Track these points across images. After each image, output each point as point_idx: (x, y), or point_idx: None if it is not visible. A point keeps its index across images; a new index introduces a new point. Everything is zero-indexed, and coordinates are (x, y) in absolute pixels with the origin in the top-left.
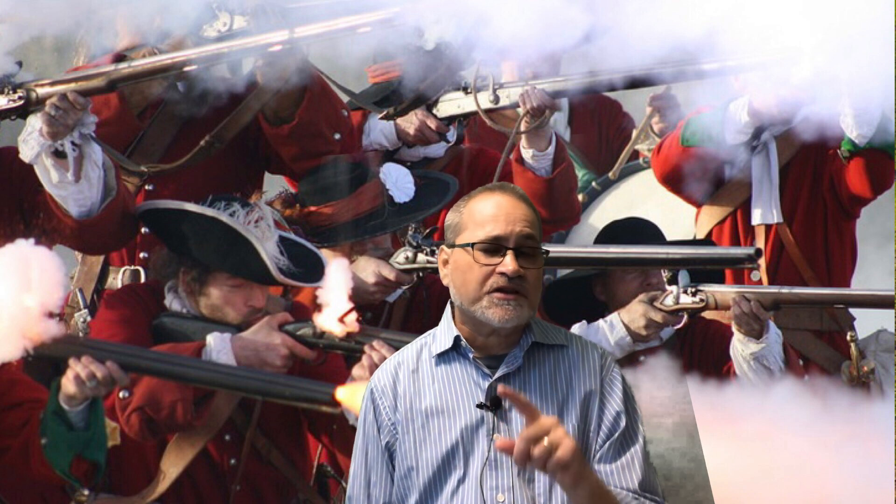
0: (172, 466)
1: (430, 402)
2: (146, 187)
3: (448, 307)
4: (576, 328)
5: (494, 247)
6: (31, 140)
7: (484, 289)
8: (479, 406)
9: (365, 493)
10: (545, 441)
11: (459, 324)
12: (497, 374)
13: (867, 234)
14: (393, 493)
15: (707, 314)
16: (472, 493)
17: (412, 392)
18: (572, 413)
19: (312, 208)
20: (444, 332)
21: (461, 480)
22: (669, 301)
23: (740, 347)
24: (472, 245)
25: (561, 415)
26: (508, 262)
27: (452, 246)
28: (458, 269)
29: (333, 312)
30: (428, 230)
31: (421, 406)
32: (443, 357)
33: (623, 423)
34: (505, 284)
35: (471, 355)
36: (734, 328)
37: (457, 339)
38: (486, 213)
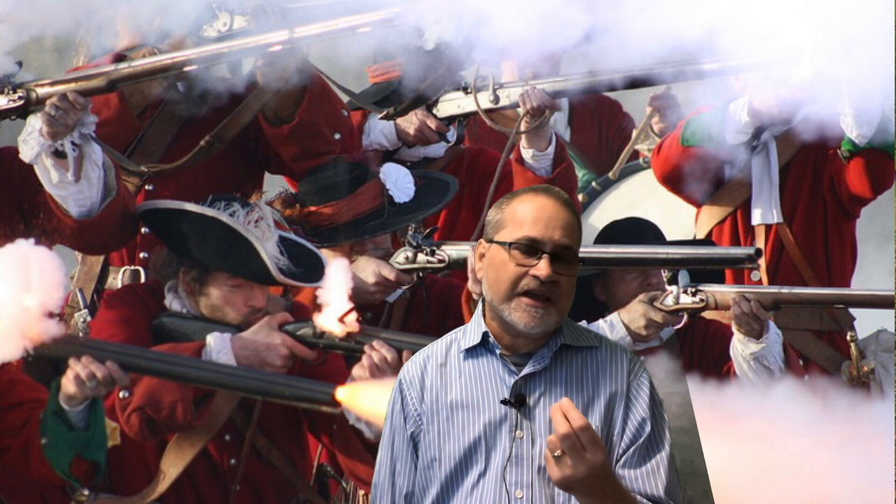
0: (172, 466)
1: (455, 396)
2: (146, 187)
3: (480, 303)
4: None
5: (531, 248)
6: (31, 140)
7: (516, 289)
8: (504, 402)
9: (390, 481)
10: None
11: (489, 320)
12: (523, 372)
13: (867, 234)
14: (416, 482)
15: (707, 314)
16: (492, 488)
17: (439, 385)
18: (596, 414)
19: (312, 208)
20: (474, 328)
21: (482, 475)
22: (669, 301)
23: (740, 347)
24: (510, 245)
25: (585, 415)
26: (543, 267)
27: (491, 241)
28: (493, 266)
29: (333, 312)
30: (428, 230)
31: (447, 399)
32: (471, 352)
33: (648, 429)
34: (536, 288)
35: (498, 351)
36: (734, 328)
37: (485, 334)
38: (528, 214)
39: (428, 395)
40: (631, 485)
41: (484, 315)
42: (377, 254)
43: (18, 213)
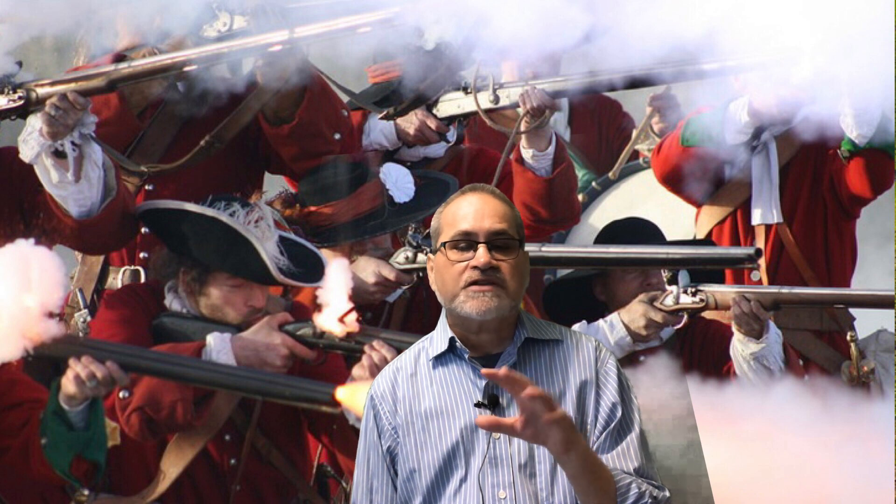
0: (172, 466)
1: (428, 405)
2: (146, 187)
3: (443, 312)
4: (576, 328)
5: (466, 243)
6: (31, 140)
7: (459, 284)
8: (478, 405)
9: (367, 499)
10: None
11: (451, 326)
12: None
13: (867, 234)
14: (395, 498)
15: (707, 314)
16: (474, 491)
17: (411, 395)
18: (568, 405)
19: (312, 208)
20: (440, 336)
21: (463, 480)
22: (669, 301)
23: (740, 347)
24: (444, 244)
25: None
26: (480, 255)
27: (435, 252)
28: (438, 272)
29: (333, 312)
30: (428, 230)
31: (420, 409)
32: (440, 359)
33: (619, 414)
34: (478, 277)
35: (466, 356)
36: (734, 328)
37: (451, 340)
38: (457, 212)
39: (401, 408)
40: None
41: (447, 322)
42: (377, 254)
43: (18, 213)
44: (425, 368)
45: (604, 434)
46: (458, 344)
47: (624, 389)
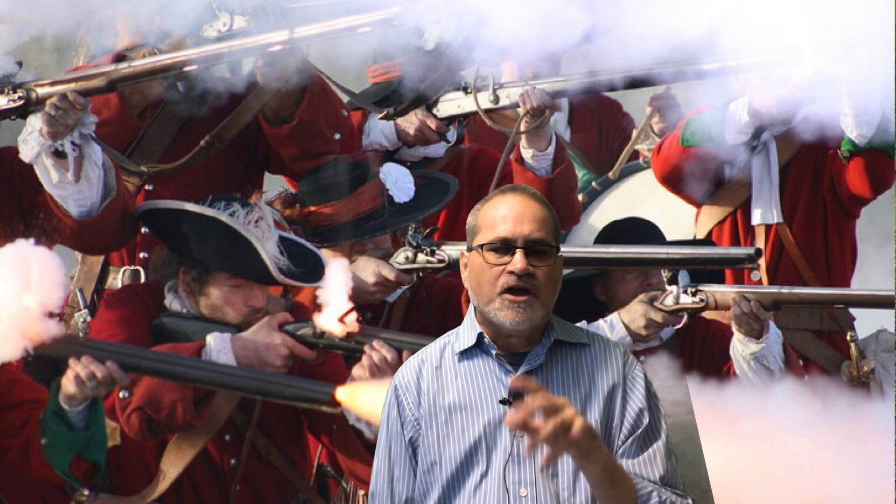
0: (172, 466)
1: (453, 398)
2: (146, 187)
3: (471, 307)
4: None
5: (504, 247)
6: (31, 140)
7: (496, 289)
8: (502, 402)
9: (388, 488)
10: (559, 418)
11: (481, 324)
12: (520, 371)
13: (867, 234)
14: (416, 488)
15: (707, 314)
16: (494, 488)
17: (435, 388)
18: (595, 409)
19: (312, 208)
20: (468, 331)
21: (484, 475)
22: (669, 301)
23: (740, 347)
24: (482, 246)
25: (584, 411)
26: (517, 261)
27: (470, 249)
28: (473, 272)
29: (333, 312)
30: (428, 230)
31: (444, 402)
32: (466, 354)
33: (646, 420)
34: (514, 283)
35: (493, 352)
36: (734, 328)
37: (480, 336)
38: (497, 214)
39: (425, 399)
40: (629, 473)
41: (476, 319)
42: (377, 254)
43: (18, 213)
44: (450, 362)
45: (630, 440)
46: (487, 340)
47: (651, 397)
